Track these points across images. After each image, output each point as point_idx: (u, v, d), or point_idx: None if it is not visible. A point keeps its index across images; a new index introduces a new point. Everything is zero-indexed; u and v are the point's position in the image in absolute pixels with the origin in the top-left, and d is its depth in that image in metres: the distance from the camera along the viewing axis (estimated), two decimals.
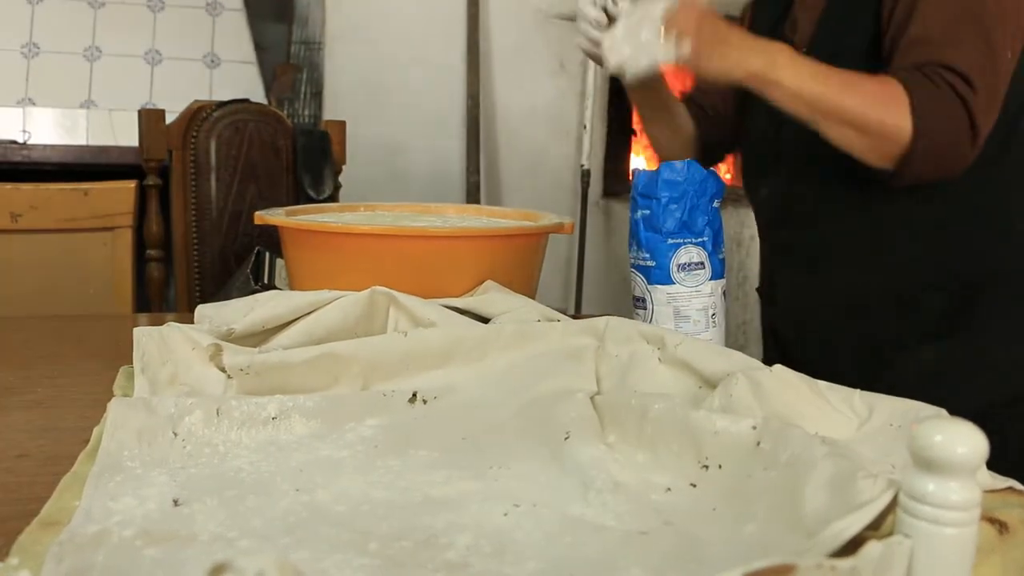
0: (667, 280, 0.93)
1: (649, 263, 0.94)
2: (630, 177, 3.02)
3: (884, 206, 0.97)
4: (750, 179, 1.14)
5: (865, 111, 0.86)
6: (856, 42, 0.95)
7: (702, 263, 0.93)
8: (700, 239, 0.93)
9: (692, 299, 0.93)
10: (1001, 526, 0.45)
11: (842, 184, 0.97)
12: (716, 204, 0.95)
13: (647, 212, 0.94)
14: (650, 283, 0.94)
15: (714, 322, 0.94)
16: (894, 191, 0.92)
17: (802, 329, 1.08)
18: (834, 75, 0.87)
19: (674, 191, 0.93)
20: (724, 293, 0.96)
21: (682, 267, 0.92)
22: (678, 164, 0.94)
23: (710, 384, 0.68)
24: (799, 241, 1.07)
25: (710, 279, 0.93)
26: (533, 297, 0.96)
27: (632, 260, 0.97)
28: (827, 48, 0.96)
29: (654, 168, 0.95)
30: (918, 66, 0.86)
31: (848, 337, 1.02)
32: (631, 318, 0.85)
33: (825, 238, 1.03)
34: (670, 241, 0.92)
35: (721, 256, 0.96)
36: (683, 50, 0.88)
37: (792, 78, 0.87)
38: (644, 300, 0.95)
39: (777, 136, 1.03)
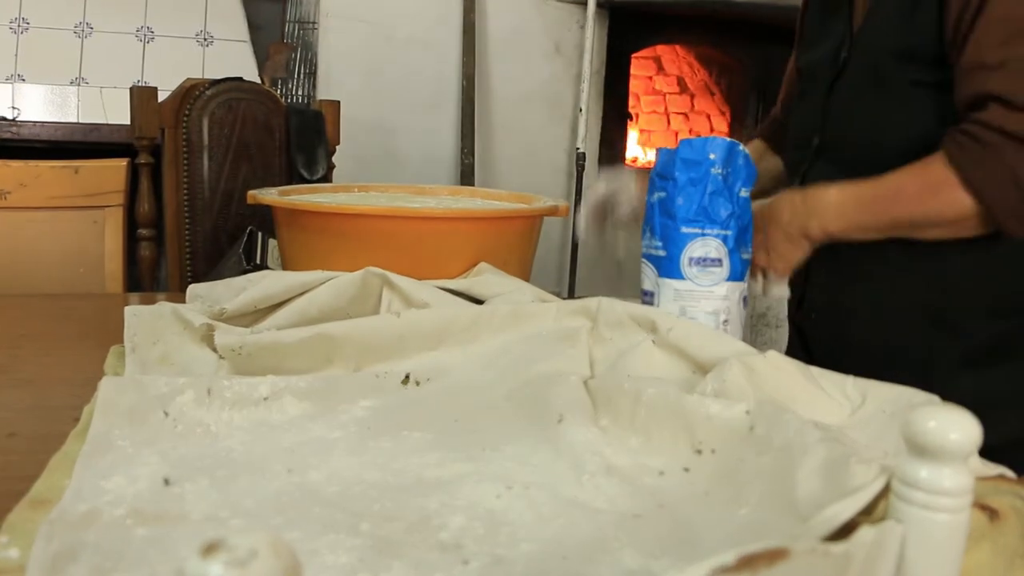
0: (676, 274, 0.82)
1: (660, 252, 0.83)
2: (625, 161, 3.01)
3: None
4: (788, 158, 1.07)
5: (923, 212, 0.83)
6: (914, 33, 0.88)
7: (719, 260, 0.81)
8: (721, 231, 0.81)
9: (701, 300, 0.81)
10: (992, 513, 0.45)
11: None
12: (745, 193, 0.83)
13: (663, 195, 0.83)
14: (661, 275, 0.83)
15: (726, 329, 0.82)
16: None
17: (838, 337, 1.00)
18: (878, 193, 0.85)
19: (692, 171, 0.81)
20: (744, 299, 0.84)
21: (695, 261, 0.81)
22: (698, 141, 0.82)
23: (704, 369, 0.68)
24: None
25: (727, 279, 0.81)
26: (527, 280, 0.96)
27: (644, 249, 0.86)
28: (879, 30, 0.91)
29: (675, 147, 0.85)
30: (962, 121, 0.82)
31: (882, 350, 0.94)
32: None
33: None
34: (683, 229, 0.81)
35: (746, 256, 0.84)
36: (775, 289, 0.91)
37: (846, 224, 0.86)
38: (653, 294, 0.84)
39: (823, 123, 0.97)
